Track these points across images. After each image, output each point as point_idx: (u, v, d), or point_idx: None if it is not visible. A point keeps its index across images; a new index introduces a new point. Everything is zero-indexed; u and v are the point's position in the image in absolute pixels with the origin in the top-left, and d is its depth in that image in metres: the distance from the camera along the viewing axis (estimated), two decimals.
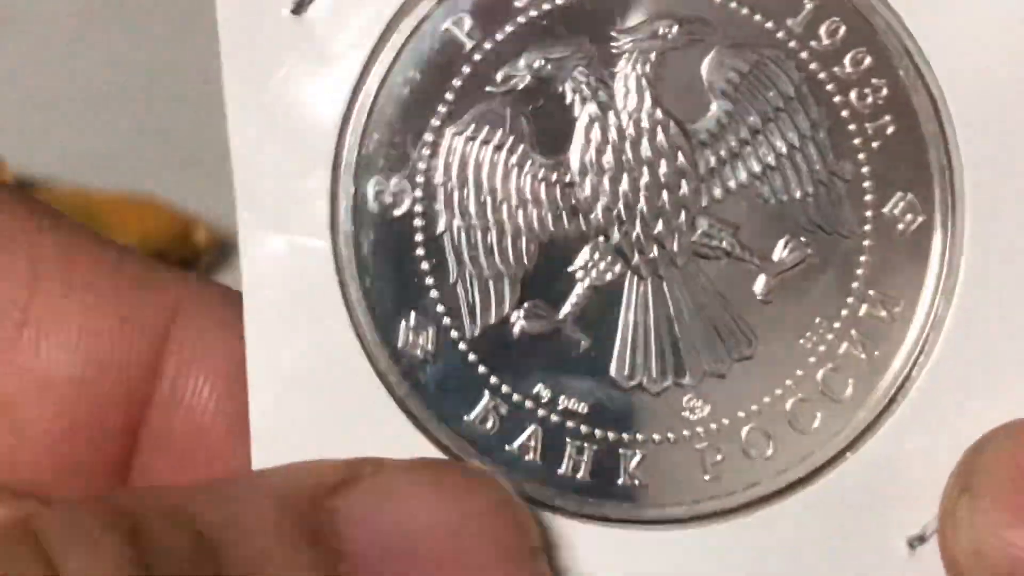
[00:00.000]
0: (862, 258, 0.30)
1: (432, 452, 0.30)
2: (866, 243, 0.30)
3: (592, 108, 0.30)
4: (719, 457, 0.30)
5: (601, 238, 0.30)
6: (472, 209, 0.30)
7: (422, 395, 0.30)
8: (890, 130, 0.30)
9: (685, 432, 0.30)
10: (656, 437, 0.30)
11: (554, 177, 0.30)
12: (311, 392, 0.30)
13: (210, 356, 0.31)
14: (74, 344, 0.31)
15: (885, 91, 0.30)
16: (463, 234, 0.30)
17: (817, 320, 0.31)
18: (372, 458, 0.28)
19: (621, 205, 0.30)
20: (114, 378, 0.31)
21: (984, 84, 0.30)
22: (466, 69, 0.30)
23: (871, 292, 0.30)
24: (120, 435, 0.32)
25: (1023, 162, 0.30)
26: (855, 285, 0.30)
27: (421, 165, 0.30)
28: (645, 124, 0.30)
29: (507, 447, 0.30)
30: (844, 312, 0.30)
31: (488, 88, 0.30)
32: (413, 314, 0.30)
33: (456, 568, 0.27)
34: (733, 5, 0.30)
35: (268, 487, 0.27)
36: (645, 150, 0.30)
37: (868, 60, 0.30)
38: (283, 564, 0.25)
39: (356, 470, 0.28)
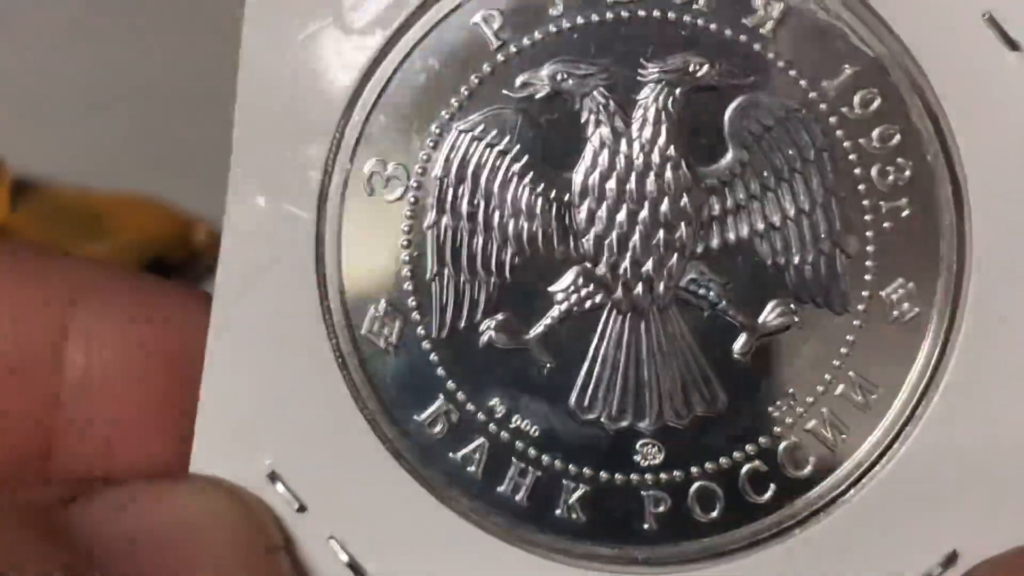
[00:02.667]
0: (849, 337, 0.29)
1: (375, 444, 0.30)
2: (856, 323, 0.29)
3: (605, 132, 0.29)
4: (662, 508, 0.30)
5: (588, 264, 0.30)
6: (463, 210, 0.30)
7: (377, 386, 0.30)
8: (905, 213, 0.29)
9: (633, 476, 0.30)
10: (603, 475, 0.30)
11: (553, 194, 0.30)
12: (267, 362, 0.30)
13: (119, 341, 0.31)
14: None
15: (908, 172, 0.29)
16: (449, 233, 0.30)
17: (790, 390, 0.30)
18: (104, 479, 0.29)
19: (615, 235, 0.30)
20: (12, 372, 0.30)
21: (1010, 189, 0.29)
22: (486, 68, 0.30)
23: (851, 374, 0.29)
24: (30, 427, 0.31)
25: None
26: (836, 363, 0.29)
27: (422, 155, 0.30)
28: (656, 159, 0.30)
29: (451, 454, 0.30)
30: (820, 388, 0.29)
31: (505, 91, 0.30)
32: (383, 302, 0.30)
33: (197, 563, 0.28)
34: (771, 56, 0.29)
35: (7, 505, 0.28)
36: (650, 185, 0.30)
37: (897, 138, 0.29)
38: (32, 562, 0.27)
39: (89, 486, 0.29)
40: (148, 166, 0.61)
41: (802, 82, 0.29)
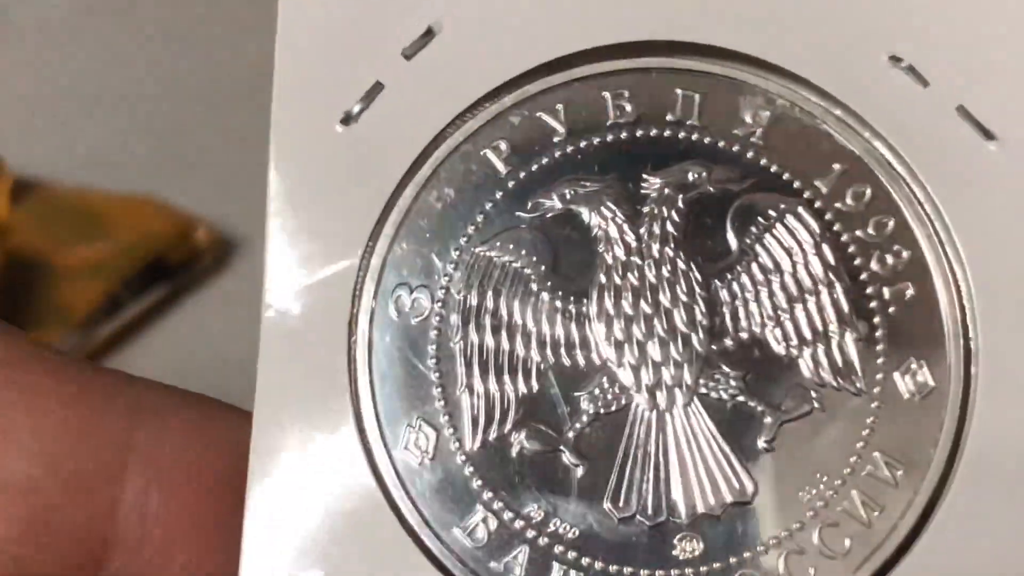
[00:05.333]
0: (870, 418, 0.30)
1: (418, 557, 0.30)
2: (874, 404, 0.30)
3: (616, 245, 0.31)
4: None
5: (610, 370, 0.31)
6: (487, 325, 0.31)
7: (416, 500, 0.30)
8: (908, 294, 0.31)
9: (674, 571, 0.30)
10: (644, 572, 0.30)
11: (571, 307, 0.31)
12: (307, 481, 0.30)
13: (176, 463, 0.31)
14: (24, 449, 0.31)
15: (906, 256, 0.31)
16: (475, 348, 0.31)
17: (818, 474, 0.30)
18: None
19: (635, 343, 0.31)
20: (72, 485, 0.31)
21: (1005, 262, 0.31)
22: (499, 194, 0.31)
23: (876, 453, 0.30)
24: (84, 542, 0.31)
25: None
26: (860, 444, 0.30)
27: (444, 277, 0.31)
28: (667, 267, 0.31)
29: (493, 563, 0.30)
30: (847, 470, 0.30)
31: (518, 213, 0.31)
32: (417, 419, 0.31)
33: None
34: (764, 162, 0.31)
35: None
36: (664, 294, 0.31)
37: (891, 225, 0.31)
38: None
39: None
40: (148, 166, 0.61)
41: (796, 183, 0.31)
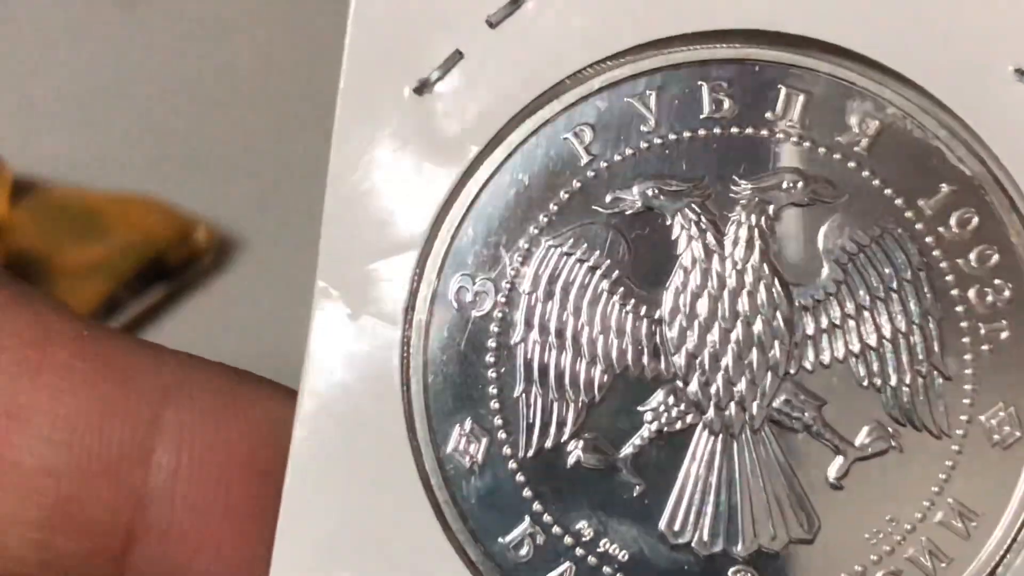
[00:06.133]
0: (948, 463, 0.29)
1: (458, 566, 0.29)
2: (955, 448, 0.29)
3: (697, 249, 0.29)
4: None
5: (679, 383, 0.29)
6: (552, 326, 0.29)
7: (461, 506, 0.29)
8: (1004, 335, 0.29)
9: None
10: None
11: (643, 311, 0.29)
12: (349, 477, 0.29)
13: (206, 443, 0.30)
14: (47, 433, 0.30)
15: (1007, 294, 0.29)
16: (537, 349, 0.29)
17: (888, 517, 0.29)
18: None
19: (707, 354, 0.29)
20: (97, 468, 0.30)
21: None
22: (576, 183, 0.29)
23: (950, 500, 0.29)
24: (111, 526, 0.30)
25: None
26: (935, 489, 0.29)
27: (510, 270, 0.29)
28: (749, 277, 0.29)
29: None
30: (918, 515, 0.29)
31: (595, 207, 0.29)
32: (469, 420, 0.29)
33: None
34: (866, 174, 0.29)
35: None
36: (743, 304, 0.29)
37: (995, 258, 0.29)
38: None
39: None
40: (148, 166, 0.61)
41: (897, 201, 0.29)
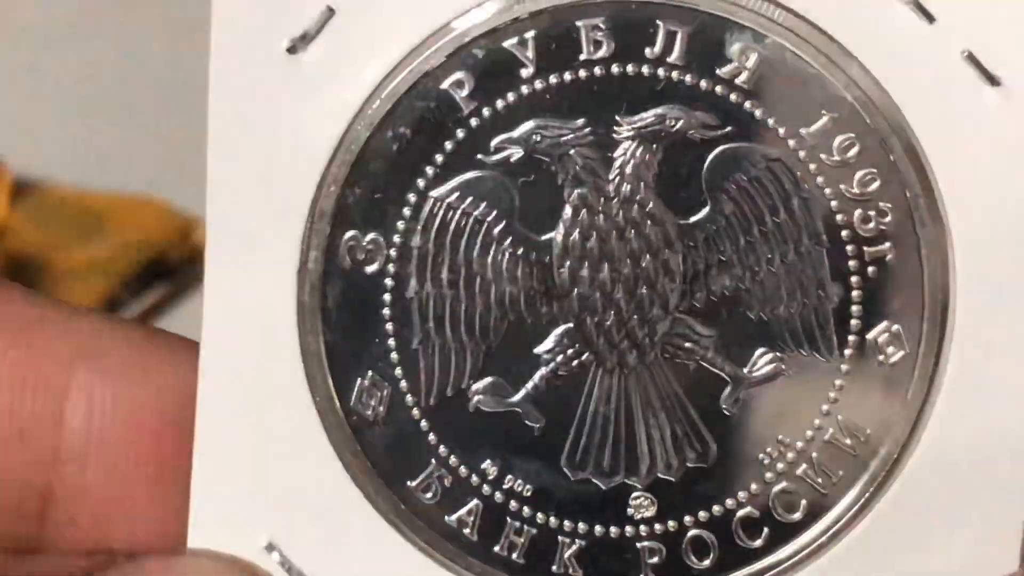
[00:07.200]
0: (837, 382, 0.29)
1: (370, 512, 0.30)
2: (843, 367, 0.29)
3: (583, 191, 0.29)
4: (656, 559, 0.30)
5: (572, 324, 0.30)
6: (444, 277, 0.29)
7: (367, 455, 0.30)
8: (889, 257, 0.29)
9: (628, 530, 0.30)
10: (597, 530, 0.30)
11: (533, 257, 0.29)
12: (256, 435, 0.29)
13: (118, 402, 0.30)
14: None
15: (890, 217, 0.29)
16: (432, 301, 0.29)
17: (779, 437, 0.30)
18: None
19: (598, 294, 0.29)
20: (6, 432, 0.30)
21: (993, 227, 0.29)
22: (460, 133, 0.29)
23: (839, 418, 0.30)
24: (23, 491, 0.30)
25: (1019, 315, 0.29)
26: (824, 408, 0.30)
27: (400, 225, 0.29)
28: (636, 215, 0.29)
29: (446, 518, 0.30)
30: (808, 433, 0.30)
31: (480, 156, 0.29)
32: (370, 373, 0.30)
33: None
34: (747, 106, 0.29)
35: None
36: (632, 241, 0.29)
37: (877, 183, 0.29)
38: None
39: (104, 561, 0.29)
40: (148, 166, 0.61)
41: (780, 131, 0.29)
